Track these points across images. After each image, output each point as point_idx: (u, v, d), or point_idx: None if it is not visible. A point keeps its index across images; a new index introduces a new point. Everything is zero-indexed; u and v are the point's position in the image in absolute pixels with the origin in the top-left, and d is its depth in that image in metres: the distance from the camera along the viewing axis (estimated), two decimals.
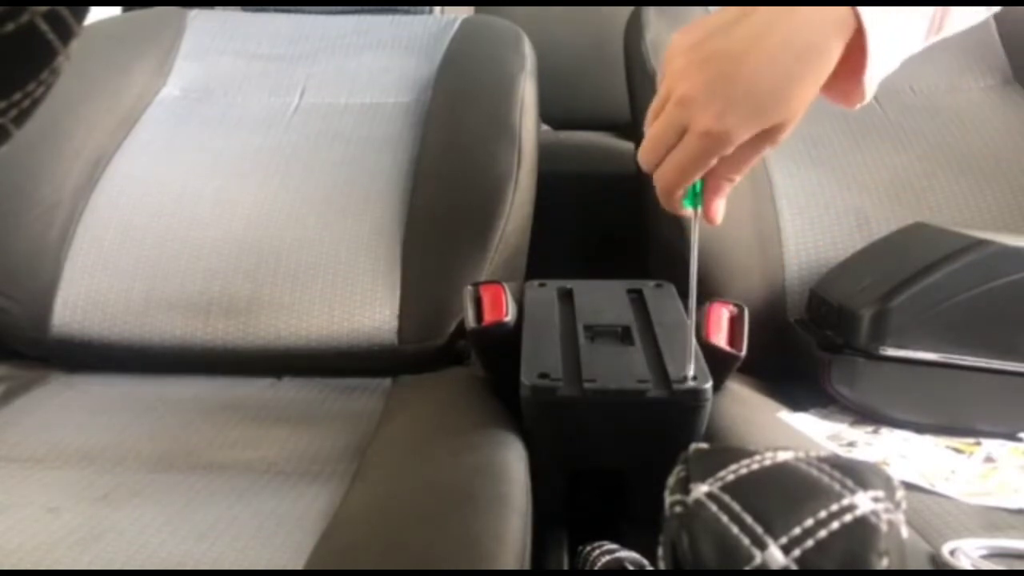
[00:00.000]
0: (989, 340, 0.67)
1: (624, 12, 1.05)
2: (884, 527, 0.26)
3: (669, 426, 0.58)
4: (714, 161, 0.49)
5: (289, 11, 1.09)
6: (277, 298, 0.82)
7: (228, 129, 0.95)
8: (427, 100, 0.97)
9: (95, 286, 0.82)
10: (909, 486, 0.60)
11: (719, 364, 0.64)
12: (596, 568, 0.53)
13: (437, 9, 1.18)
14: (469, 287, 0.69)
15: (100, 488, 0.60)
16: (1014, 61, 0.97)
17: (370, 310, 0.81)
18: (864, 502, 0.27)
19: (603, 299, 0.70)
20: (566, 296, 0.71)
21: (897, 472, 0.58)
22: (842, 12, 0.45)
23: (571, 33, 1.42)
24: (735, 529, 0.27)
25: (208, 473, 0.62)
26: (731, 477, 0.29)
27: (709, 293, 0.76)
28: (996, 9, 0.53)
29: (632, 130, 0.99)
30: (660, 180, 0.52)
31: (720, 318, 0.67)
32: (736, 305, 0.68)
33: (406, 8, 1.12)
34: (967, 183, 0.86)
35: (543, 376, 0.57)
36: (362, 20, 1.08)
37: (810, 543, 0.26)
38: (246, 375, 0.81)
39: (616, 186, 1.11)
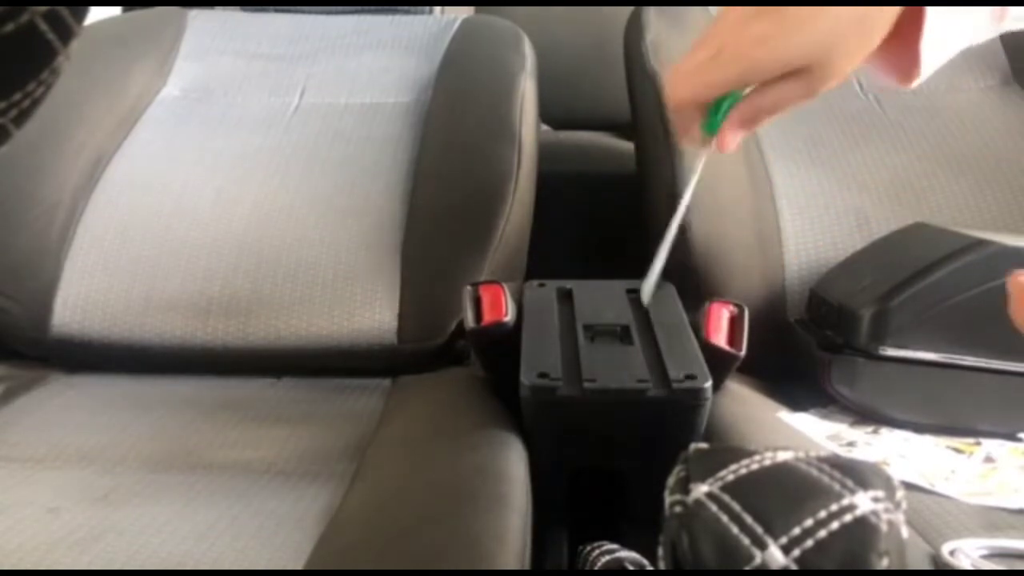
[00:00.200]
0: (989, 340, 0.67)
1: (624, 12, 1.05)
2: (884, 527, 0.26)
3: (669, 426, 0.58)
4: (744, 88, 0.48)
5: (289, 11, 1.09)
6: (277, 298, 0.81)
7: (228, 129, 0.95)
8: (427, 100, 0.97)
9: (95, 286, 0.82)
10: (909, 486, 0.60)
11: (719, 364, 0.64)
12: (596, 568, 0.53)
13: (437, 9, 1.18)
14: (468, 287, 0.69)
15: (100, 488, 0.60)
16: (1014, 61, 0.97)
17: (370, 310, 0.81)
18: (864, 502, 0.27)
19: (603, 299, 0.70)
20: (565, 296, 0.71)
21: (897, 472, 0.58)
22: None
23: (571, 33, 1.42)
24: (735, 529, 0.27)
25: (208, 473, 0.62)
26: (731, 477, 0.29)
27: (709, 293, 0.76)
28: None
29: (632, 130, 0.99)
30: (680, 86, 0.50)
31: (720, 318, 0.66)
32: (736, 305, 0.68)
33: (406, 8, 1.12)
34: (967, 183, 0.86)
35: (543, 376, 0.57)
36: (362, 20, 1.08)
37: (810, 543, 0.26)
38: (246, 375, 0.81)
39: (616, 186, 1.11)
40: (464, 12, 1.19)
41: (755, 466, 0.29)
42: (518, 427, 0.61)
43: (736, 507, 0.28)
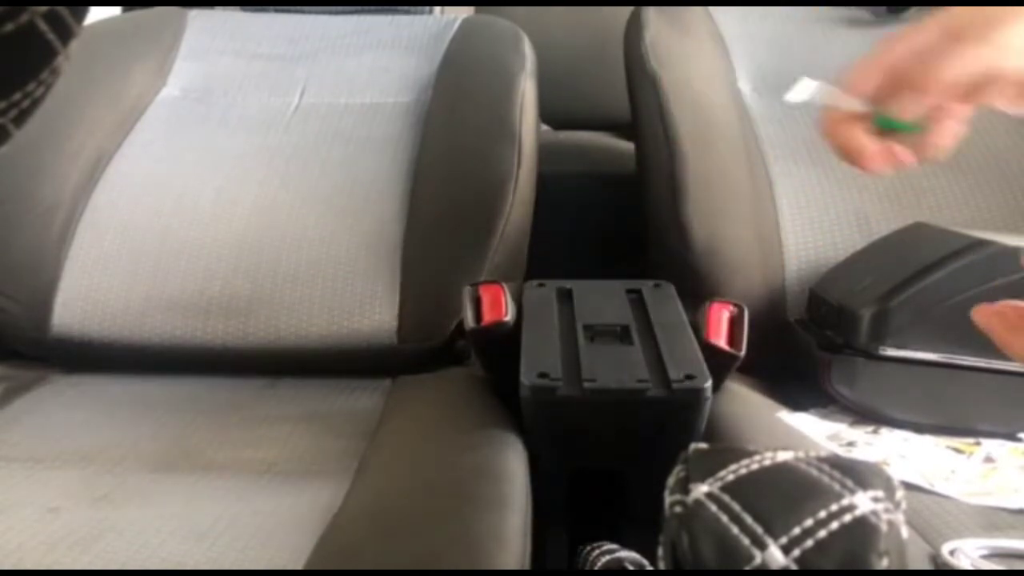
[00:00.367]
0: (989, 340, 0.66)
1: (624, 12, 1.05)
2: (884, 527, 0.26)
3: (669, 426, 0.58)
4: (926, 79, 0.42)
5: (289, 11, 1.09)
6: (277, 298, 0.81)
7: (228, 129, 0.95)
8: (427, 100, 0.97)
9: (95, 286, 0.82)
10: (909, 486, 0.60)
11: (719, 364, 0.64)
12: (596, 568, 0.53)
13: (437, 9, 1.18)
14: (468, 287, 0.69)
15: (100, 488, 0.60)
16: None
17: (370, 310, 0.81)
18: (864, 502, 0.27)
19: (602, 299, 0.70)
20: (565, 296, 0.71)
21: (897, 472, 0.58)
22: None
23: (571, 33, 1.42)
24: (735, 529, 0.27)
25: (208, 473, 0.62)
26: (731, 477, 0.29)
27: (709, 293, 0.76)
28: None
29: (632, 130, 0.99)
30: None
31: (720, 318, 0.66)
32: (736, 305, 0.68)
33: (406, 8, 1.12)
34: (967, 183, 0.86)
35: (543, 376, 0.57)
36: (362, 20, 1.08)
37: (810, 543, 0.26)
38: (246, 375, 0.81)
39: (616, 186, 1.11)
40: (464, 12, 1.19)
41: (755, 466, 0.29)
42: (518, 427, 0.61)
43: (736, 507, 0.28)
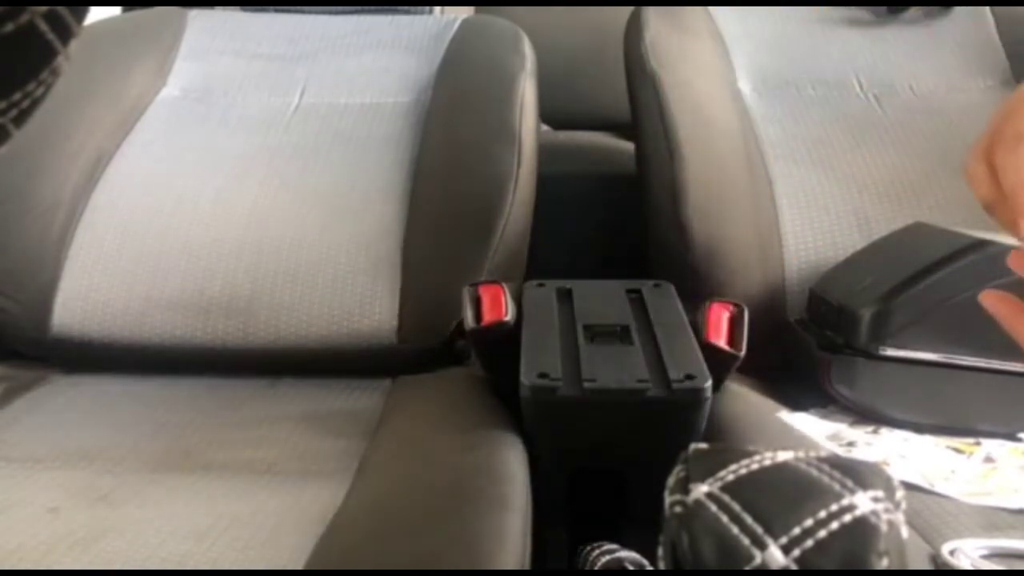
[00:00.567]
0: (989, 340, 0.66)
1: (624, 12, 1.05)
2: (884, 527, 0.26)
3: (669, 426, 0.58)
4: None
5: (289, 11, 1.09)
6: (277, 298, 0.81)
7: (228, 129, 0.95)
8: (427, 100, 0.97)
9: (95, 286, 0.82)
10: (909, 486, 0.60)
11: (719, 364, 0.64)
12: (596, 568, 0.53)
13: (437, 9, 1.18)
14: (468, 287, 0.69)
15: (100, 488, 0.60)
16: (1014, 61, 0.97)
17: (370, 310, 0.81)
18: (864, 502, 0.27)
19: (602, 299, 0.70)
20: (565, 296, 0.71)
21: (897, 472, 0.58)
22: None
23: (571, 33, 1.42)
24: (735, 529, 0.27)
25: (208, 473, 0.62)
26: (731, 477, 0.29)
27: (709, 293, 0.76)
28: None
29: (632, 130, 0.99)
30: None
31: (720, 318, 0.66)
32: (736, 305, 0.68)
33: (406, 8, 1.12)
34: (967, 183, 0.86)
35: (543, 376, 0.57)
36: (362, 20, 1.08)
37: (810, 543, 0.26)
38: (246, 375, 0.81)
39: (616, 186, 1.11)
40: (464, 12, 1.18)
41: (755, 466, 0.29)
42: (518, 427, 0.61)
43: (736, 507, 0.28)
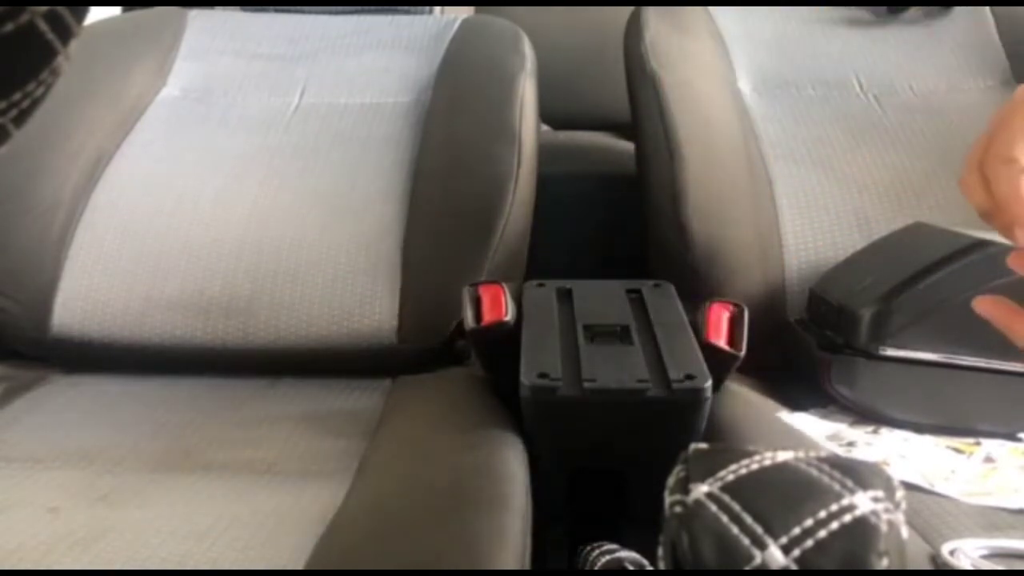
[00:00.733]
0: (989, 340, 0.66)
1: (624, 12, 1.05)
2: (884, 527, 0.26)
3: (669, 426, 0.58)
4: None
5: (289, 11, 1.09)
6: (277, 298, 0.81)
7: (228, 129, 0.95)
8: (427, 100, 0.97)
9: (95, 286, 0.82)
10: (909, 486, 0.60)
11: (719, 364, 0.64)
12: (596, 568, 0.53)
13: (437, 9, 1.18)
14: (468, 287, 0.69)
15: (100, 488, 0.60)
16: (1014, 61, 0.97)
17: (370, 310, 0.81)
18: (864, 502, 0.27)
19: (602, 299, 0.70)
20: (565, 296, 0.71)
21: (897, 472, 0.58)
22: None
23: (571, 33, 1.42)
24: (735, 529, 0.27)
25: (208, 473, 0.62)
26: (731, 477, 0.29)
27: (709, 293, 0.76)
28: None
29: (632, 130, 0.99)
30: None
31: (720, 318, 0.67)
32: (736, 305, 0.68)
33: (406, 8, 1.12)
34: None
35: (543, 376, 0.57)
36: (362, 20, 1.08)
37: (810, 543, 0.26)
38: (246, 375, 0.81)
39: (616, 186, 1.11)
40: (464, 12, 1.18)
41: (755, 466, 0.29)
42: (518, 427, 0.61)
43: (736, 507, 0.28)
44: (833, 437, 0.67)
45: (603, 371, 0.58)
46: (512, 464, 0.56)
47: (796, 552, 0.26)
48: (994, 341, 0.66)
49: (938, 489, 0.59)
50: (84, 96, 0.93)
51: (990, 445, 0.66)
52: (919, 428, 0.68)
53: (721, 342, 0.65)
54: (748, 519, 0.27)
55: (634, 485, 0.62)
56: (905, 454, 0.65)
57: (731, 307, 0.68)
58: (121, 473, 0.62)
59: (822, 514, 0.27)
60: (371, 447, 0.66)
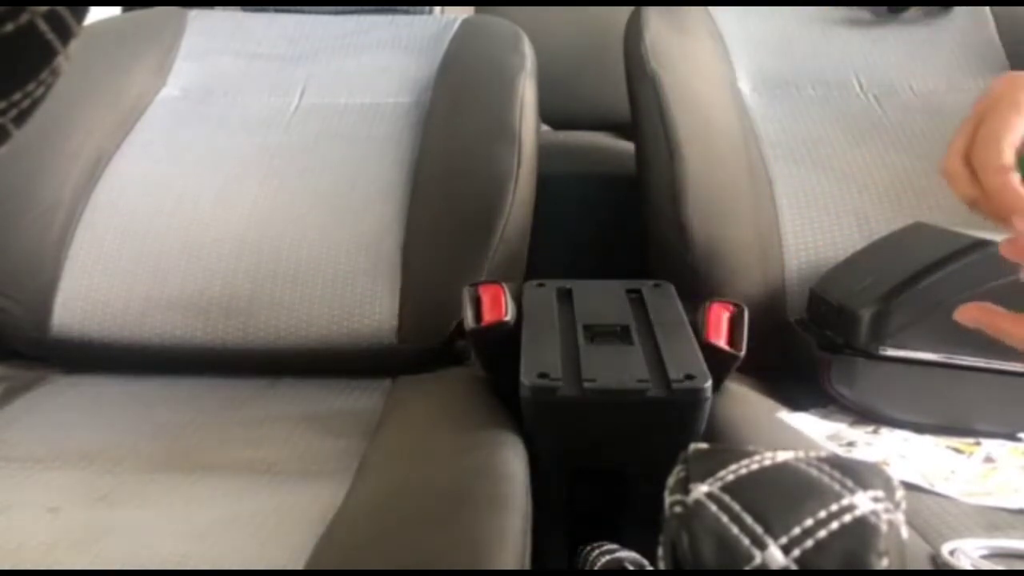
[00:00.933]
0: (989, 340, 0.66)
1: (624, 12, 1.05)
2: (884, 527, 0.26)
3: (669, 426, 0.58)
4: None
5: (289, 11, 1.09)
6: (277, 298, 0.81)
7: (228, 129, 0.95)
8: (427, 100, 0.97)
9: (95, 286, 0.82)
10: (909, 486, 0.59)
11: (719, 364, 0.64)
12: (596, 568, 0.53)
13: (437, 9, 1.18)
14: (468, 287, 0.69)
15: (100, 488, 0.60)
16: (1014, 61, 0.97)
17: (370, 310, 0.81)
18: (864, 502, 0.27)
19: (602, 299, 0.70)
20: (565, 296, 0.71)
21: (897, 472, 0.58)
22: None
23: (571, 33, 1.42)
24: (735, 529, 0.27)
25: (208, 473, 0.62)
26: (731, 477, 0.29)
27: (709, 293, 0.76)
28: None
29: (632, 130, 0.99)
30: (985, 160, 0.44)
31: (720, 318, 0.67)
32: (736, 305, 0.68)
33: (406, 8, 1.12)
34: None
35: (543, 376, 0.57)
36: (362, 20, 1.08)
37: (810, 543, 0.26)
38: (246, 375, 0.81)
39: (616, 186, 1.11)
40: (464, 12, 1.19)
41: (755, 466, 0.29)
42: (518, 427, 0.61)
43: (736, 507, 0.28)
44: (833, 437, 0.67)
45: (603, 371, 0.58)
46: (512, 464, 0.56)
47: (796, 552, 0.26)
48: (994, 341, 0.67)
49: (938, 489, 0.59)
50: (84, 96, 0.93)
51: (990, 445, 0.66)
52: (919, 428, 0.68)
53: (721, 342, 0.65)
54: (748, 519, 0.27)
55: (634, 485, 0.62)
56: (905, 454, 0.65)
57: (731, 307, 0.68)
58: (121, 473, 0.62)
59: (822, 514, 0.27)
60: (371, 447, 0.66)
